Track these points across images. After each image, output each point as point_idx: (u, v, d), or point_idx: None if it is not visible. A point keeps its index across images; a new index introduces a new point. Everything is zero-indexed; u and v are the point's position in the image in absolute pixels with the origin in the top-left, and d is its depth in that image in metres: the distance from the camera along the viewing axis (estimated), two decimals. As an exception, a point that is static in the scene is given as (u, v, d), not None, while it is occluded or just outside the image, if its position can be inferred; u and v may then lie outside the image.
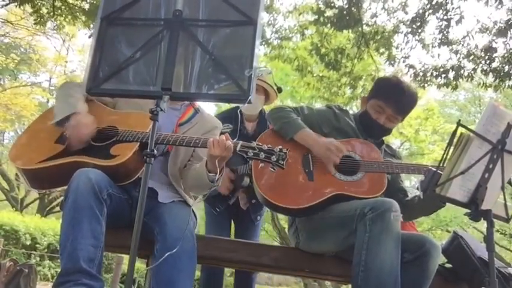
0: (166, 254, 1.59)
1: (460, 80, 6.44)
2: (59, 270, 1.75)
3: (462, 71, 6.33)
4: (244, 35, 1.55)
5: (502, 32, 5.99)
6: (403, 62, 6.72)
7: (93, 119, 1.95)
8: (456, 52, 6.34)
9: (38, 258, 9.22)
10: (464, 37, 6.29)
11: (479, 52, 6.22)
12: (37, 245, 9.52)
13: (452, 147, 1.60)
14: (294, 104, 10.76)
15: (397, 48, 6.85)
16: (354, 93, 7.78)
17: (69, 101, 1.99)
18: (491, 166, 1.60)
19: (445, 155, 1.59)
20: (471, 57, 6.24)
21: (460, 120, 1.60)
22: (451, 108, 18.60)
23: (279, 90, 2.90)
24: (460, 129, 1.58)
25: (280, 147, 1.75)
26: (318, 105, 7.55)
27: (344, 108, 2.34)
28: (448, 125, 13.40)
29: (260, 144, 1.77)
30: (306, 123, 2.20)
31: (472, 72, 6.31)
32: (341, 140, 2.18)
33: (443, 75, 6.41)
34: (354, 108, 8.74)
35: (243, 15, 1.55)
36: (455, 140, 1.60)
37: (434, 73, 6.44)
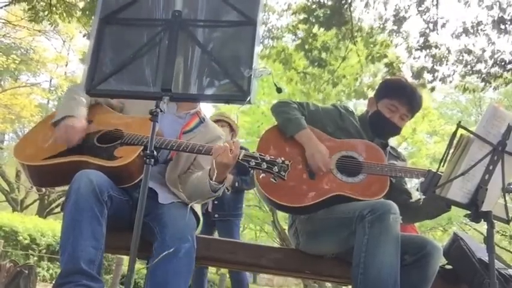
0: (164, 253, 1.59)
1: (436, 82, 6.53)
2: (58, 271, 1.75)
3: (436, 74, 6.40)
4: (243, 35, 1.54)
5: (484, 30, 6.06)
6: (379, 61, 6.77)
7: (85, 125, 1.96)
8: (433, 56, 6.39)
9: (36, 258, 9.20)
10: (453, 38, 6.35)
11: (457, 55, 6.30)
12: (36, 246, 9.50)
13: (452, 149, 1.59)
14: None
15: (380, 45, 6.87)
16: (336, 90, 7.85)
17: (70, 103, 2.01)
18: (491, 167, 1.60)
19: (445, 156, 1.59)
20: (449, 61, 6.32)
21: (460, 121, 1.60)
22: (451, 109, 18.58)
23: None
24: (461, 131, 1.57)
25: (283, 158, 1.74)
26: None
27: (350, 109, 2.34)
28: (448, 127, 13.39)
29: (263, 154, 1.77)
30: (310, 120, 2.20)
31: (451, 74, 6.38)
32: (344, 139, 2.18)
33: (419, 78, 6.48)
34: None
35: (243, 16, 1.54)
36: (455, 142, 1.60)
37: (411, 74, 6.52)
